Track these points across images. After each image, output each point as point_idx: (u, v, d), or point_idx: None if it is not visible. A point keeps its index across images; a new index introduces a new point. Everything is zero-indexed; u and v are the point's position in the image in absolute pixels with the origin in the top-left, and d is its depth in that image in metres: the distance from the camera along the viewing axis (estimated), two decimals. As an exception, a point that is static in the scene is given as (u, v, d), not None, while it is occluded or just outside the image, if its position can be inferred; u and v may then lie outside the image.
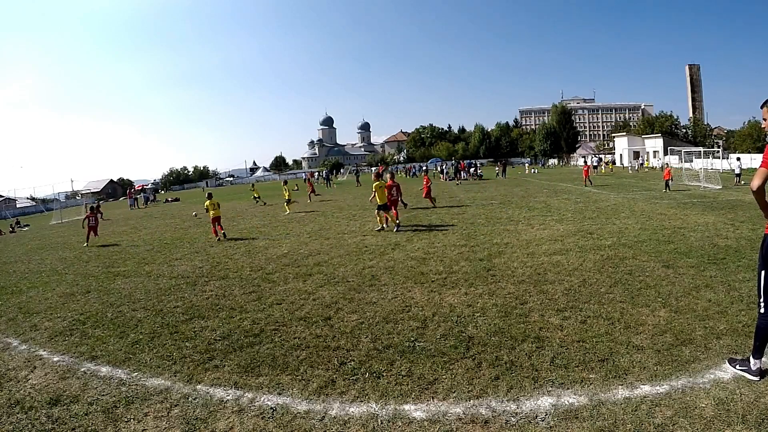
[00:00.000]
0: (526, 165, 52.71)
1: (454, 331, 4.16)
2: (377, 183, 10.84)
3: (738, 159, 22.63)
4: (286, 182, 18.75)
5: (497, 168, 38.07)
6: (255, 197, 24.06)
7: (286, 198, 17.76)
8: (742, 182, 19.62)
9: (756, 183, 2.85)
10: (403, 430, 2.73)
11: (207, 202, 12.00)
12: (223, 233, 11.57)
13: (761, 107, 3.04)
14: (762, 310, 3.00)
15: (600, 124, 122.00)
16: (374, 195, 10.84)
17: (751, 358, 3.05)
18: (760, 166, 2.89)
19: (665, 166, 22.30)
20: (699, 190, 17.70)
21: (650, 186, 18.43)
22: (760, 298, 3.03)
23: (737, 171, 20.46)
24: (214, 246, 10.37)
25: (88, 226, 13.28)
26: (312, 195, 22.75)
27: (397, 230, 10.32)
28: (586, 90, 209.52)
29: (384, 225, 10.71)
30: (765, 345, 3.02)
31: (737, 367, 3.11)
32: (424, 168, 14.15)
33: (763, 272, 2.97)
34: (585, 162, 28.54)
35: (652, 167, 37.54)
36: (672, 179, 18.23)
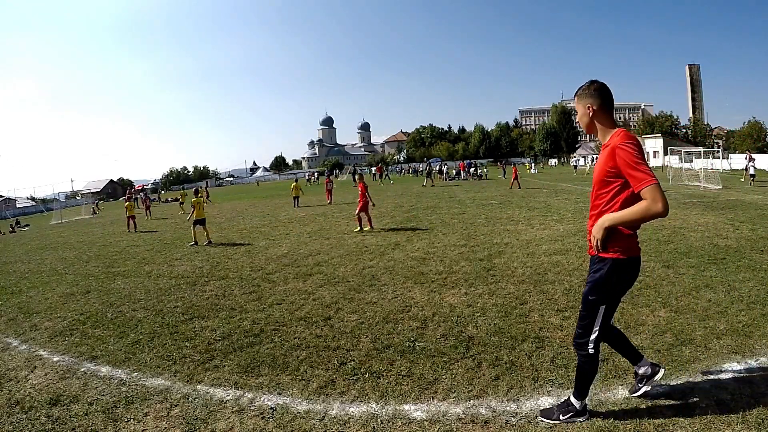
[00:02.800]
0: (529, 165, 52.40)
1: (454, 331, 4.16)
2: (195, 199, 11.51)
3: (753, 159, 22.41)
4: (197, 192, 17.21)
5: (500, 166, 38.19)
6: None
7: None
8: (746, 182, 19.61)
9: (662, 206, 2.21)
10: (403, 430, 2.73)
11: (127, 204, 16.63)
12: (134, 227, 15.85)
13: (574, 96, 2.59)
14: (591, 350, 2.54)
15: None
16: (192, 211, 11.37)
17: (573, 399, 2.67)
18: (648, 184, 2.22)
19: None
20: (699, 190, 17.69)
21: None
22: (590, 335, 2.53)
23: (752, 171, 20.24)
24: (214, 246, 10.37)
25: (144, 206, 22.30)
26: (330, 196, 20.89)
27: (367, 230, 10.76)
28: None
29: (197, 240, 11.01)
30: (591, 384, 2.67)
31: (560, 417, 2.65)
32: (358, 172, 13.26)
33: (603, 307, 2.50)
34: (513, 164, 28.92)
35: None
36: None
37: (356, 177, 12.34)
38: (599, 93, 2.47)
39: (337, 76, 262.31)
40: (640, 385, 2.87)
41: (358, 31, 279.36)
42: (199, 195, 12.05)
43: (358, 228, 10.94)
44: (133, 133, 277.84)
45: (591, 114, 2.50)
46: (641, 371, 2.83)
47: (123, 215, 17.60)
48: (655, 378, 2.82)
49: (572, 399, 2.69)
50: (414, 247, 8.30)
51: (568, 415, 2.66)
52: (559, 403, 2.79)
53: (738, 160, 29.79)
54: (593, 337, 2.54)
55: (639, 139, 2.50)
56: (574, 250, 7.17)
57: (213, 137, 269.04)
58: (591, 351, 2.55)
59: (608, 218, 2.36)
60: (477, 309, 4.72)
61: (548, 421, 2.68)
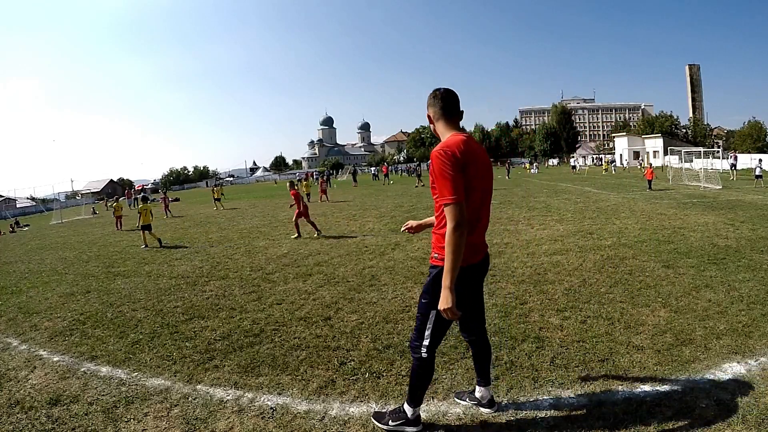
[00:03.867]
0: (530, 165, 52.73)
1: (454, 331, 4.15)
2: (142, 206, 11.90)
3: (759, 160, 22.04)
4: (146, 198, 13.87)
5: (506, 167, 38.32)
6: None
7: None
8: (747, 183, 19.59)
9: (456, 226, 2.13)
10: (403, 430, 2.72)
11: (115, 204, 17.97)
12: (120, 226, 16.91)
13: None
14: (425, 354, 2.46)
15: (600, 124, 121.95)
16: (140, 217, 11.62)
17: (406, 406, 2.62)
18: (447, 202, 2.16)
19: (646, 165, 22.46)
20: (699, 190, 17.69)
21: (629, 183, 18.42)
22: (422, 339, 2.45)
23: (758, 172, 19.93)
24: (214, 246, 10.38)
25: (164, 206, 21.73)
26: (323, 196, 22.65)
27: (315, 237, 10.40)
28: (586, 90, 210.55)
29: (147, 243, 11.23)
30: (425, 391, 2.63)
31: (389, 423, 2.63)
32: (290, 179, 12.88)
33: (434, 312, 2.39)
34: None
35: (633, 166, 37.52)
36: (652, 179, 18.65)
37: (289, 184, 12.12)
38: (435, 100, 2.47)
39: (337, 76, 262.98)
40: (465, 400, 2.91)
41: (358, 31, 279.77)
42: (147, 201, 12.79)
43: (296, 235, 10.68)
44: (133, 133, 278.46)
45: (431, 121, 2.53)
46: (478, 394, 2.84)
47: (112, 215, 18.34)
48: (482, 406, 2.82)
49: (405, 406, 2.63)
50: (414, 247, 8.30)
51: (398, 423, 2.61)
52: (392, 408, 2.75)
53: (740, 160, 29.76)
54: (426, 342, 2.46)
55: (470, 149, 2.27)
56: (574, 250, 7.17)
57: (213, 137, 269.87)
58: (424, 355, 2.47)
59: (445, 277, 2.20)
60: (477, 309, 4.72)
61: (378, 424, 2.67)
